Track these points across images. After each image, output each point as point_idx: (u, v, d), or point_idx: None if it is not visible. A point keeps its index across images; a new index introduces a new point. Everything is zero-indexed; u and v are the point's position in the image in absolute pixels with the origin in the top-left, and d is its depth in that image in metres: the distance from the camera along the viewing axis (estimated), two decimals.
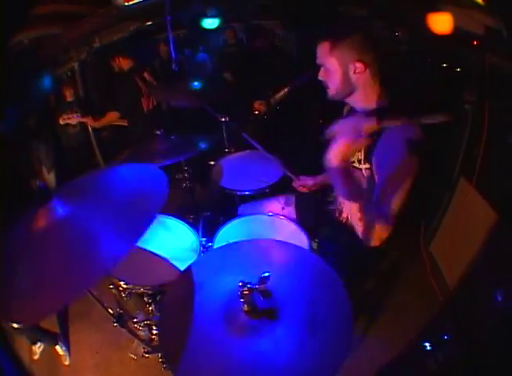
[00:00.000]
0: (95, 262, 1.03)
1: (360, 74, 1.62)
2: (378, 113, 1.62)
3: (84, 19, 3.08)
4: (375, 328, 2.30)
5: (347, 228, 1.90)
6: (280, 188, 2.45)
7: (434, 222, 2.83)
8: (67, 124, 3.45)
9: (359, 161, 1.68)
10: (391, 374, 2.07)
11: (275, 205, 2.25)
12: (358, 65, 1.61)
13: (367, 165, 1.64)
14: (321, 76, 1.71)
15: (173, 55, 2.65)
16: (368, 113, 1.67)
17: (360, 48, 1.60)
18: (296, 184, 2.23)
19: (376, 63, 1.62)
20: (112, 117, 3.44)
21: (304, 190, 2.19)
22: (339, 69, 1.63)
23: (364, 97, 1.69)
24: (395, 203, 1.47)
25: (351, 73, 1.63)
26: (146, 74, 3.56)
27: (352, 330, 1.14)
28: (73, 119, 3.41)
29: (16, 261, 1.07)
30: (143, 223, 1.08)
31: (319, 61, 1.70)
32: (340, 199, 1.89)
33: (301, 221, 2.08)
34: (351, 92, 1.69)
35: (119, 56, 3.44)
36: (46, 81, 3.38)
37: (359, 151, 1.67)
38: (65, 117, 3.40)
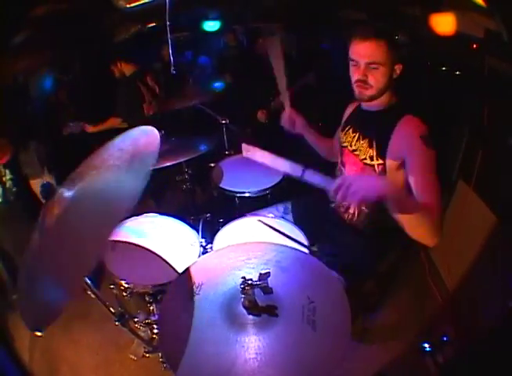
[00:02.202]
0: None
1: (397, 76, 1.65)
2: (390, 114, 1.67)
3: (87, 21, 3.10)
4: (374, 329, 2.30)
5: (349, 226, 1.93)
6: (280, 190, 2.46)
7: None
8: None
9: (371, 158, 1.72)
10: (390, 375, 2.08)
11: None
12: (399, 66, 1.63)
13: (380, 161, 1.68)
14: (362, 75, 1.63)
15: (172, 59, 2.67)
16: (379, 115, 1.72)
17: (401, 49, 1.63)
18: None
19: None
20: (113, 123, 3.44)
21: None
22: (389, 68, 1.61)
23: (387, 98, 1.71)
24: (436, 195, 1.49)
25: (394, 74, 1.64)
26: (148, 79, 3.56)
27: (350, 325, 1.15)
28: (77, 128, 3.40)
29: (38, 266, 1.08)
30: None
31: (367, 58, 1.60)
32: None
33: (299, 225, 2.08)
34: (383, 94, 1.69)
35: (121, 61, 3.44)
36: (47, 83, 3.39)
37: (370, 148, 1.71)
38: (69, 126, 3.39)
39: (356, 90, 1.69)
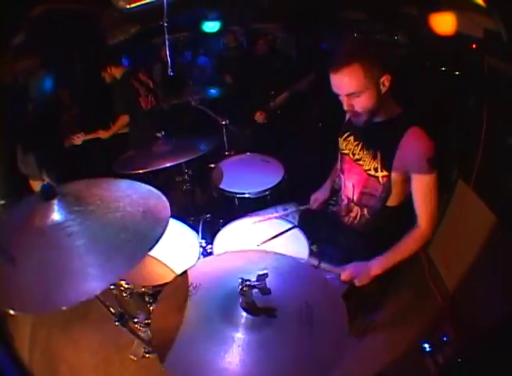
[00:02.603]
0: (78, 284, 1.02)
1: (386, 86, 1.55)
2: (394, 126, 1.64)
3: (86, 21, 3.10)
4: (374, 330, 2.30)
5: (349, 228, 1.93)
6: (279, 190, 2.47)
7: None
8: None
9: (375, 169, 1.69)
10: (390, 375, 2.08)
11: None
12: (387, 77, 1.52)
13: (384, 173, 1.66)
14: (349, 106, 1.57)
15: (169, 60, 2.68)
16: (383, 125, 1.67)
17: (382, 58, 1.52)
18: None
19: (393, 70, 1.54)
20: (124, 121, 3.44)
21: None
22: (373, 89, 1.52)
23: (384, 110, 1.64)
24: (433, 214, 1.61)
25: (382, 89, 1.54)
26: (141, 76, 3.56)
27: (348, 325, 1.16)
28: (79, 139, 3.38)
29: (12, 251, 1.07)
30: (134, 258, 1.09)
31: (346, 90, 1.53)
32: (348, 203, 1.92)
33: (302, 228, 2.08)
34: (378, 112, 1.62)
35: (111, 65, 3.45)
36: (47, 83, 3.39)
37: (375, 159, 1.69)
38: (71, 138, 3.37)
39: (351, 118, 1.70)
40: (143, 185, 1.42)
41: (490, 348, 1.66)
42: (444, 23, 2.29)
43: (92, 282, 1.02)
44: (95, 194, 1.26)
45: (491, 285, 2.06)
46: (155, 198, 1.35)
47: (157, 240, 1.11)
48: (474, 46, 2.26)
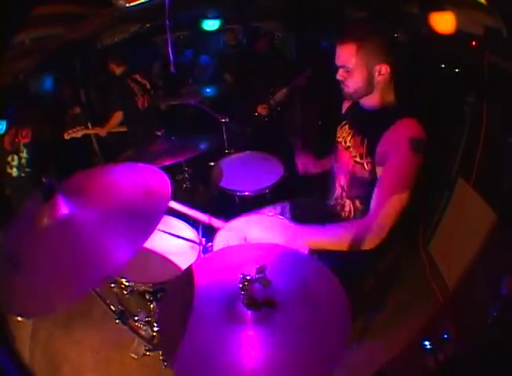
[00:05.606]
0: (100, 264, 1.04)
1: (383, 75, 1.64)
2: (385, 115, 1.67)
3: (86, 20, 3.10)
4: (374, 328, 2.30)
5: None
6: (279, 188, 2.46)
7: (432, 222, 2.84)
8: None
9: (361, 156, 1.73)
10: (390, 374, 2.07)
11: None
12: (384, 67, 1.62)
13: (369, 159, 1.69)
14: (340, 76, 1.70)
15: (171, 58, 2.67)
16: (376, 114, 1.72)
17: (384, 49, 1.62)
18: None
19: (395, 64, 1.64)
20: (117, 118, 3.45)
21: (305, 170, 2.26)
22: (364, 71, 1.64)
23: (379, 97, 1.72)
24: (393, 205, 1.53)
25: (375, 74, 1.64)
26: (137, 76, 3.57)
27: (350, 315, 1.16)
28: (78, 132, 3.39)
29: (19, 256, 1.08)
30: (149, 225, 1.10)
31: (340, 62, 1.68)
32: (341, 194, 1.92)
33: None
34: (368, 93, 1.71)
35: (112, 62, 3.46)
36: (47, 82, 3.39)
37: (362, 146, 1.72)
38: (70, 131, 3.37)
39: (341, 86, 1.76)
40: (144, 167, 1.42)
41: (490, 346, 1.66)
42: (444, 20, 2.29)
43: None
44: (95, 183, 1.28)
45: (491, 283, 2.06)
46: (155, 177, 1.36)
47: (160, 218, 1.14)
48: (474, 43, 2.26)
